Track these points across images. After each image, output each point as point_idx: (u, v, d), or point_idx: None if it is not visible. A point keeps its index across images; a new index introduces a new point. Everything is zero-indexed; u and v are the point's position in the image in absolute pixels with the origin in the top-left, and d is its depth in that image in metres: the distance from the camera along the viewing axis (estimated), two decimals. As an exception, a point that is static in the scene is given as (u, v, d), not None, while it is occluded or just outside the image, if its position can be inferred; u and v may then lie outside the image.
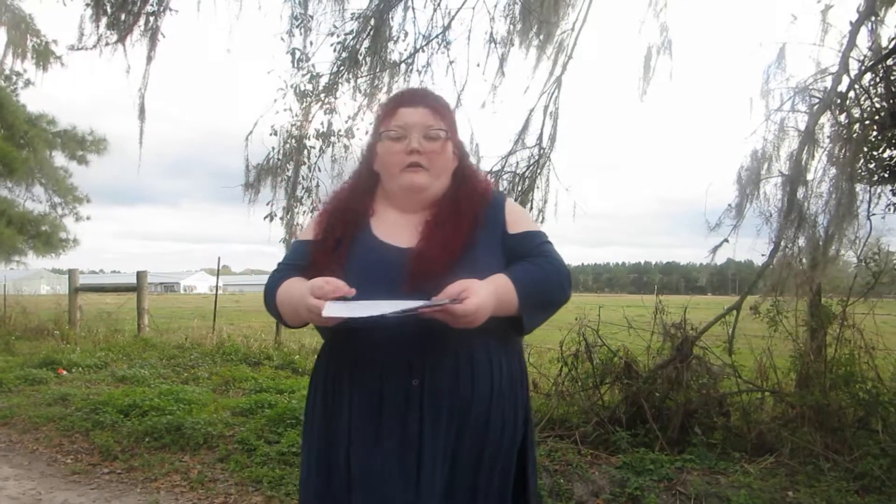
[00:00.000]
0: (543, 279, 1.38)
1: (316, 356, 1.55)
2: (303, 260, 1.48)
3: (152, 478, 3.92)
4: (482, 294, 1.25)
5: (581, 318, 4.29)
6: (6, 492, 3.76)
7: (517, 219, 1.49)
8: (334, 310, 1.24)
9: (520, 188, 4.97)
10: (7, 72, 13.30)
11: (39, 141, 13.85)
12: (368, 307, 1.23)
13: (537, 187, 4.97)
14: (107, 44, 4.91)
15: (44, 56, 9.70)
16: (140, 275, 9.36)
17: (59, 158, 14.57)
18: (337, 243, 1.44)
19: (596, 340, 4.15)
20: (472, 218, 1.43)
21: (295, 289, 1.37)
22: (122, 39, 4.92)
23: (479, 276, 1.30)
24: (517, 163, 5.00)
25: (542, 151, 4.96)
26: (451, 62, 5.12)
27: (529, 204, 4.92)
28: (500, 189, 4.96)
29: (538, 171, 4.96)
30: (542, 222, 4.92)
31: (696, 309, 4.19)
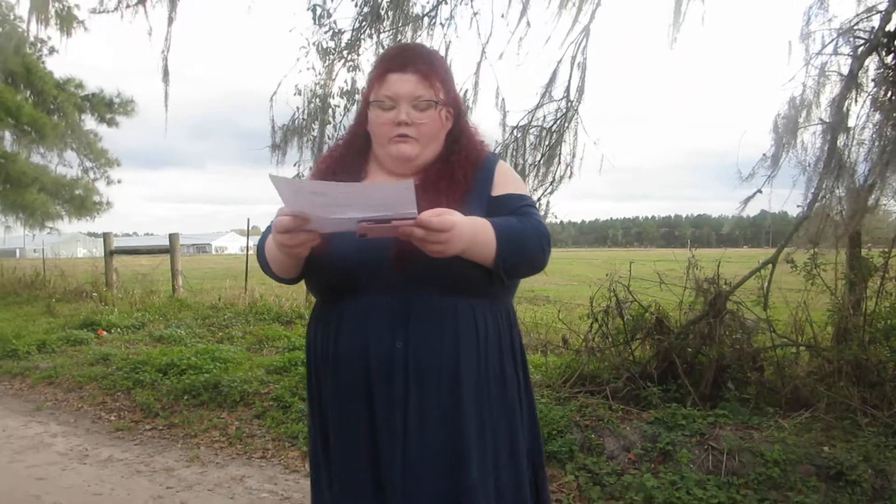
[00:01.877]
0: (521, 230, 1.33)
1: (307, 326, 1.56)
2: None
3: (192, 434, 4.05)
4: (459, 218, 1.21)
5: (611, 274, 4.24)
6: (55, 448, 3.92)
7: (503, 181, 1.45)
8: (289, 197, 1.20)
9: (547, 143, 4.87)
10: (32, 39, 13.38)
11: (69, 105, 13.99)
12: (331, 201, 1.17)
13: (565, 141, 4.86)
14: (127, 6, 4.88)
15: (67, 21, 9.70)
16: (172, 237, 9.50)
17: (89, 122, 14.73)
18: None
19: (627, 296, 4.10)
20: (463, 182, 1.41)
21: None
22: (142, 1, 4.88)
23: None
24: (544, 116, 4.88)
25: (569, 104, 4.82)
26: (475, 14, 4.97)
27: (557, 158, 4.83)
28: (528, 144, 4.87)
29: (566, 124, 4.84)
30: (570, 177, 4.83)
31: (728, 262, 4.11)
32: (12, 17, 12.75)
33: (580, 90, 4.80)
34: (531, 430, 1.48)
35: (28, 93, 13.71)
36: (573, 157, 4.84)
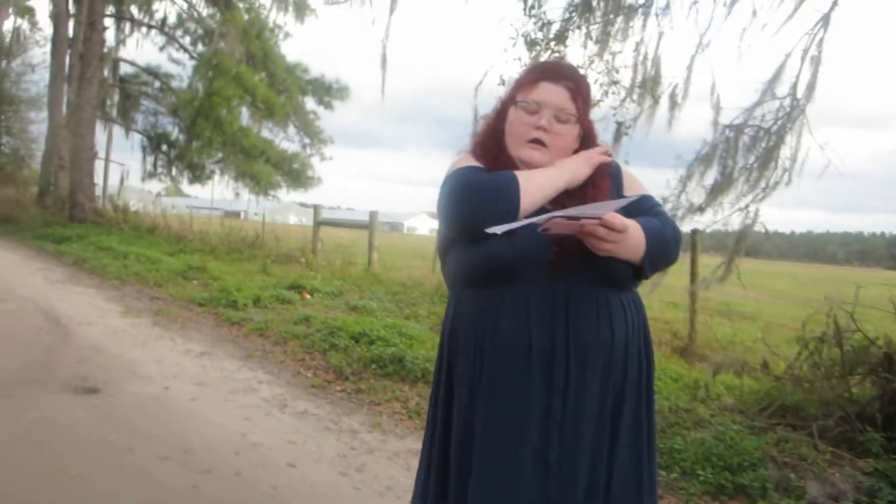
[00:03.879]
0: (663, 231, 1.48)
1: (444, 318, 1.62)
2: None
3: (376, 402, 4.31)
4: (630, 221, 1.36)
5: (830, 297, 3.74)
6: (261, 393, 4.41)
7: (632, 183, 1.61)
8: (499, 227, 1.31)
9: (764, 144, 4.42)
10: (271, 24, 15.08)
11: (294, 87, 15.62)
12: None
13: (785, 143, 4.37)
14: (357, -3, 5.25)
15: (301, 9, 10.78)
16: (372, 214, 10.18)
17: (309, 103, 16.33)
18: None
19: (849, 324, 3.60)
20: (604, 188, 1.54)
21: (546, 169, 1.49)
22: (369, -8, 5.23)
23: None
24: (763, 115, 4.43)
25: (795, 103, 4.32)
26: (693, 2, 4.65)
27: (774, 162, 4.37)
28: (741, 145, 4.48)
29: (789, 125, 4.35)
30: (787, 183, 4.36)
31: None
32: (256, 4, 14.42)
33: (810, 87, 4.28)
34: (650, 406, 1.57)
35: (263, 74, 15.53)
36: (793, 161, 4.35)
